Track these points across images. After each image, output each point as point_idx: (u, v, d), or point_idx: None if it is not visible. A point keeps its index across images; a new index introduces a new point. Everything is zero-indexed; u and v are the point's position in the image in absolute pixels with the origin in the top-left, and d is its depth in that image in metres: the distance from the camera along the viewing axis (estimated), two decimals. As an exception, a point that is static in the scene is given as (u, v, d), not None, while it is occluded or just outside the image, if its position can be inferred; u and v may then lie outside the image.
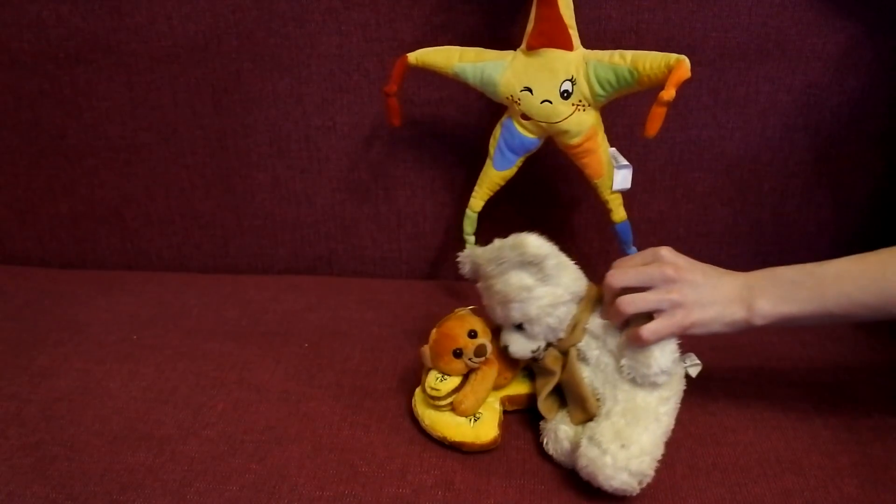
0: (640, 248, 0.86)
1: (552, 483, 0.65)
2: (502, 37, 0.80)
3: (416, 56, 0.80)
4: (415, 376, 0.74)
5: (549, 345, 0.68)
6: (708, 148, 0.92)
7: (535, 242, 0.63)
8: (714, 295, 0.63)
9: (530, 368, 0.75)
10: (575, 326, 0.67)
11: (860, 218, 0.94)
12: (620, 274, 0.65)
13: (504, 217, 0.91)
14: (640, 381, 0.64)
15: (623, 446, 0.60)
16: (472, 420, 0.69)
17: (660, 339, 0.63)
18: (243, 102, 0.96)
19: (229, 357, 0.82)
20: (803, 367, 0.79)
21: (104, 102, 0.97)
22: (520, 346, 0.68)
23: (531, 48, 0.76)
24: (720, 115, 0.90)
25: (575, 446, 0.64)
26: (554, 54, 0.76)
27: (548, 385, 0.68)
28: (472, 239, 0.89)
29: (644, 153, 0.92)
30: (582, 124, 0.77)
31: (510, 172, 0.84)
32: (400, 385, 0.77)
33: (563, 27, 0.75)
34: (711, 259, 0.97)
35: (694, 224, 0.96)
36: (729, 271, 0.66)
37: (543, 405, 0.69)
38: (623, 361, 0.65)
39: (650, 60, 0.71)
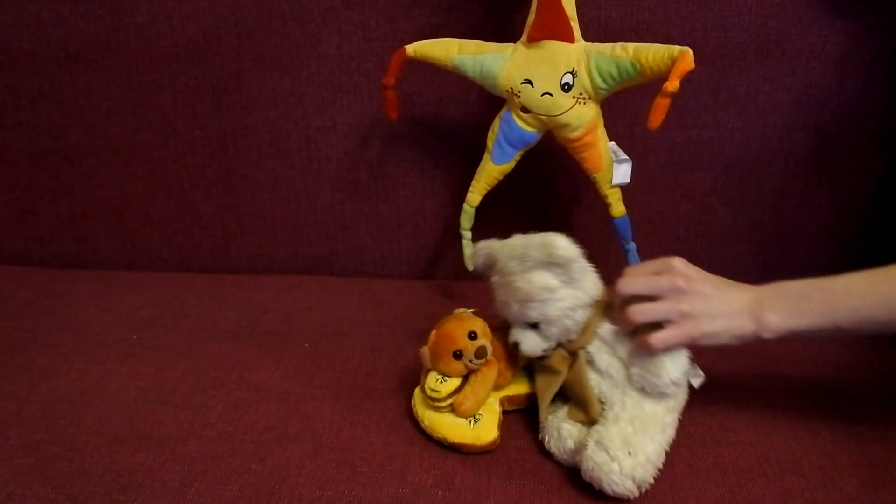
0: (639, 247, 0.86)
1: (552, 483, 0.65)
2: (503, 36, 0.80)
3: (415, 48, 0.79)
4: (415, 376, 0.74)
5: (558, 344, 0.68)
6: (708, 148, 0.92)
7: (564, 244, 0.63)
8: (723, 307, 0.64)
9: (528, 367, 0.75)
10: (586, 329, 0.67)
11: (860, 218, 0.94)
12: (631, 282, 0.66)
13: (501, 213, 0.91)
14: (649, 389, 0.65)
15: (630, 454, 0.61)
16: (472, 421, 0.69)
17: (667, 347, 0.63)
18: (243, 102, 0.96)
19: (229, 357, 0.83)
20: (803, 367, 0.79)
21: (104, 102, 0.97)
22: (532, 344, 0.67)
23: (532, 40, 0.76)
24: (720, 115, 0.90)
25: (579, 445, 0.64)
26: (555, 46, 0.75)
27: (553, 386, 0.68)
28: (468, 234, 0.87)
29: (644, 153, 0.92)
30: (582, 117, 0.77)
31: (508, 167, 0.83)
32: (400, 385, 0.77)
33: (564, 19, 0.74)
34: (711, 259, 0.97)
35: (694, 224, 0.96)
36: (739, 284, 0.66)
37: (546, 410, 0.69)
38: (633, 370, 0.65)
39: (653, 52, 0.71)
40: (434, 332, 0.71)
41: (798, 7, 0.84)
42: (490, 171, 0.84)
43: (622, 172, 0.81)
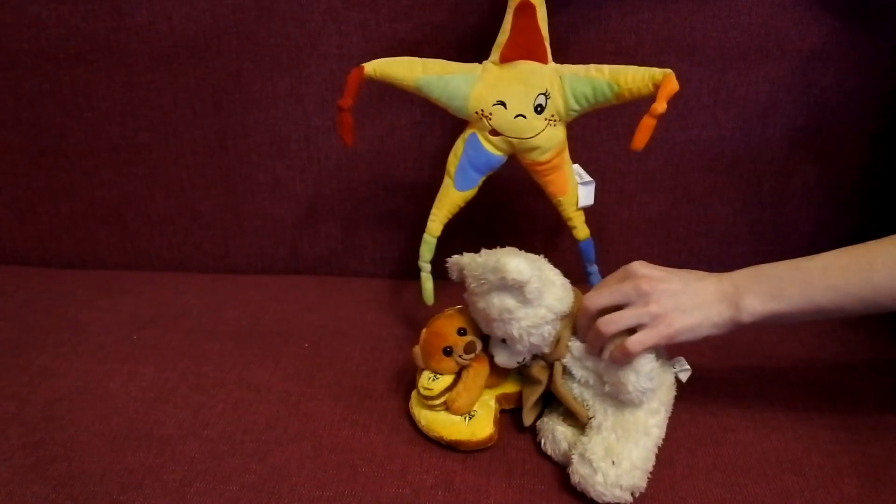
0: (639, 251, 0.86)
1: (552, 483, 0.65)
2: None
3: (374, 67, 0.74)
4: (414, 376, 0.74)
5: (535, 356, 0.69)
6: (708, 148, 0.92)
7: (515, 267, 0.61)
8: (695, 299, 0.62)
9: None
10: (559, 342, 0.67)
11: (860, 218, 0.94)
12: (596, 295, 0.64)
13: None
14: (624, 400, 0.64)
15: (614, 463, 0.61)
16: (467, 418, 0.69)
17: (645, 348, 0.61)
18: (243, 102, 0.96)
19: (229, 357, 0.83)
20: (803, 367, 0.79)
21: (104, 102, 0.97)
22: (505, 358, 0.68)
23: (506, 60, 0.74)
24: (720, 115, 0.90)
25: (573, 447, 0.65)
26: (529, 67, 0.74)
27: (534, 394, 0.69)
28: (428, 267, 0.82)
29: (644, 153, 0.91)
30: (552, 140, 0.76)
31: (471, 193, 0.80)
32: (400, 385, 0.77)
33: (540, 38, 0.73)
34: (711, 259, 0.98)
35: (694, 224, 0.96)
36: (709, 273, 0.65)
37: (527, 415, 0.70)
38: (605, 388, 0.65)
39: (632, 75, 0.71)
40: (424, 330, 0.71)
41: (798, 7, 0.84)
42: (453, 199, 0.80)
43: (586, 194, 0.79)
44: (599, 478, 0.60)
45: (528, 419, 0.70)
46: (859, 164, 0.91)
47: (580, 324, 0.66)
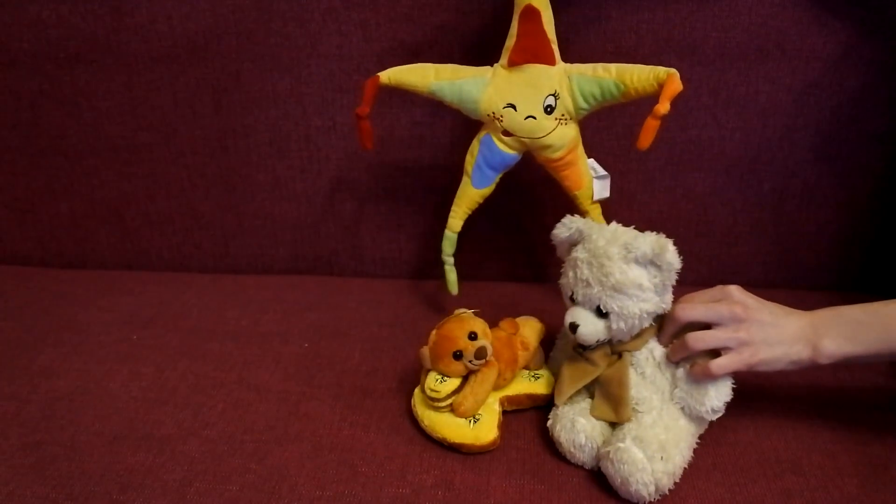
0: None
1: (552, 483, 0.65)
2: (503, 36, 0.80)
3: (389, 75, 0.77)
4: (415, 376, 0.74)
5: (608, 341, 0.68)
6: (708, 148, 0.92)
7: (674, 251, 0.63)
8: (780, 335, 0.64)
9: (529, 369, 0.75)
10: (640, 336, 0.67)
11: (860, 218, 0.94)
12: (689, 308, 0.66)
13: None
14: (688, 412, 0.65)
15: (663, 459, 0.61)
16: (472, 421, 0.69)
17: (726, 373, 0.64)
18: (243, 102, 0.96)
19: (229, 357, 0.83)
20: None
21: (104, 102, 0.97)
22: (592, 331, 0.66)
23: (514, 64, 0.75)
24: (720, 115, 0.90)
25: (590, 442, 0.65)
26: (537, 69, 0.75)
27: (584, 377, 0.68)
28: (451, 260, 0.86)
29: (644, 153, 0.92)
30: (564, 138, 0.77)
31: (489, 190, 0.83)
32: (400, 385, 0.77)
33: (546, 42, 0.74)
34: (711, 259, 0.98)
35: (694, 224, 0.96)
36: (794, 310, 0.66)
37: (565, 397, 0.68)
38: (677, 392, 0.66)
39: (637, 74, 0.72)
40: (434, 332, 0.71)
41: (798, 7, 0.84)
42: (471, 196, 0.83)
43: (601, 188, 0.81)
44: (648, 467, 0.60)
45: (564, 400, 0.68)
46: (859, 163, 0.91)
47: (667, 330, 0.67)
